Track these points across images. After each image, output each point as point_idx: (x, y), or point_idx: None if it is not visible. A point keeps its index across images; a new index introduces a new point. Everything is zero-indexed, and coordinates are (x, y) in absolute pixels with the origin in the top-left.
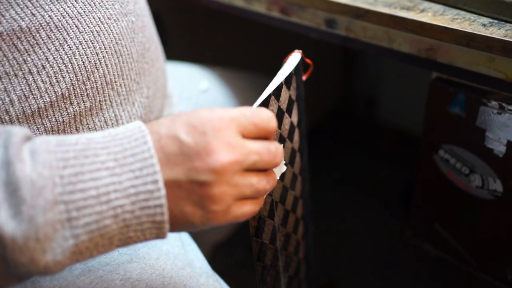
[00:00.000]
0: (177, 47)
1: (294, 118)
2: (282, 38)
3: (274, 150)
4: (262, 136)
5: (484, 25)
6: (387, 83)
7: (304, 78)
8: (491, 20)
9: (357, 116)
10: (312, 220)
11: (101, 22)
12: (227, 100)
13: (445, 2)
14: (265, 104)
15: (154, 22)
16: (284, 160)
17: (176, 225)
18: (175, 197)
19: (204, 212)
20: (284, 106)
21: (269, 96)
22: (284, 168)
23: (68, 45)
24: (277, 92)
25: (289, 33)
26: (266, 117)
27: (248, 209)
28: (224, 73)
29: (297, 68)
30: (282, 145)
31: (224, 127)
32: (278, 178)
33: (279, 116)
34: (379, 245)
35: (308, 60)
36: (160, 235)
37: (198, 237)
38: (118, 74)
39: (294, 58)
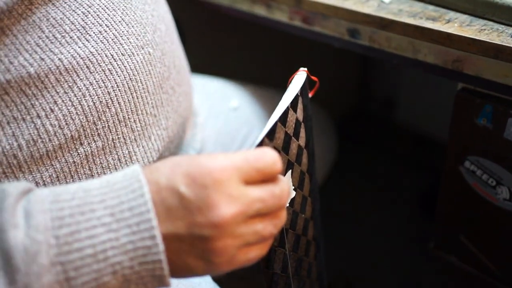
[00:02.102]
0: (196, 54)
1: (302, 140)
2: (299, 46)
3: (278, 193)
4: (267, 179)
5: None
6: (405, 85)
7: (310, 95)
8: None
9: (375, 118)
10: (323, 237)
11: (114, 59)
12: (257, 119)
13: (472, 12)
14: (272, 132)
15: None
16: (293, 185)
17: (180, 274)
18: (177, 250)
19: (208, 264)
20: (291, 131)
21: (275, 124)
22: (293, 194)
23: (77, 86)
24: (283, 118)
25: (307, 41)
26: (270, 161)
27: (254, 255)
28: (256, 90)
29: (303, 88)
30: (290, 171)
31: (225, 178)
32: (287, 205)
33: (286, 141)
34: (396, 249)
35: (314, 78)
36: (163, 284)
37: None
38: (131, 110)
39: (299, 78)
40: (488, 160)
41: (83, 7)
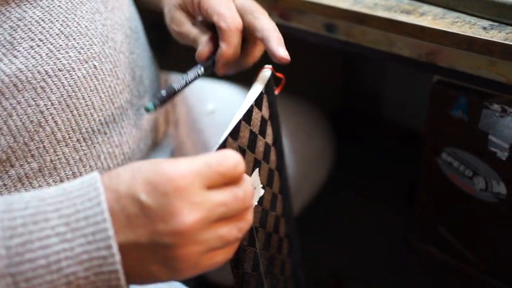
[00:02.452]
0: (180, 52)
1: (269, 138)
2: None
3: (242, 195)
4: (229, 182)
5: (484, 28)
6: (390, 80)
7: (276, 92)
8: (492, 23)
9: (360, 113)
10: (297, 235)
11: (49, 75)
12: None
13: (445, 5)
14: (236, 132)
15: (155, 27)
16: (262, 183)
17: (142, 281)
18: (138, 258)
19: (171, 270)
20: (256, 129)
21: (239, 122)
22: (261, 192)
23: (2, 106)
24: (247, 116)
25: (289, 37)
26: (232, 164)
27: (219, 259)
28: (235, 91)
29: (268, 85)
30: (257, 170)
31: (187, 184)
32: (256, 203)
33: (252, 140)
34: (384, 245)
35: (279, 74)
36: None
37: None
38: (73, 129)
39: (264, 75)
40: (464, 151)
41: (11, 21)
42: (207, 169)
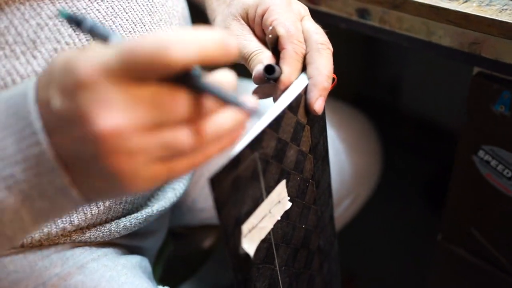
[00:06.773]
0: None
1: (305, 145)
2: None
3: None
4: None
5: None
6: (411, 69)
7: None
8: None
9: (379, 103)
10: (336, 247)
11: None
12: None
13: None
14: (257, 141)
15: None
16: (290, 196)
17: (93, 195)
18: (79, 170)
19: (113, 184)
20: (287, 136)
21: (263, 131)
22: (288, 205)
23: None
24: (276, 123)
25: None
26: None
27: (178, 171)
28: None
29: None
30: (284, 181)
31: (95, 79)
32: (279, 218)
33: (280, 149)
34: (400, 239)
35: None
36: (70, 199)
37: None
38: None
39: (304, 76)
40: (503, 149)
41: (41, 18)
42: (127, 57)
